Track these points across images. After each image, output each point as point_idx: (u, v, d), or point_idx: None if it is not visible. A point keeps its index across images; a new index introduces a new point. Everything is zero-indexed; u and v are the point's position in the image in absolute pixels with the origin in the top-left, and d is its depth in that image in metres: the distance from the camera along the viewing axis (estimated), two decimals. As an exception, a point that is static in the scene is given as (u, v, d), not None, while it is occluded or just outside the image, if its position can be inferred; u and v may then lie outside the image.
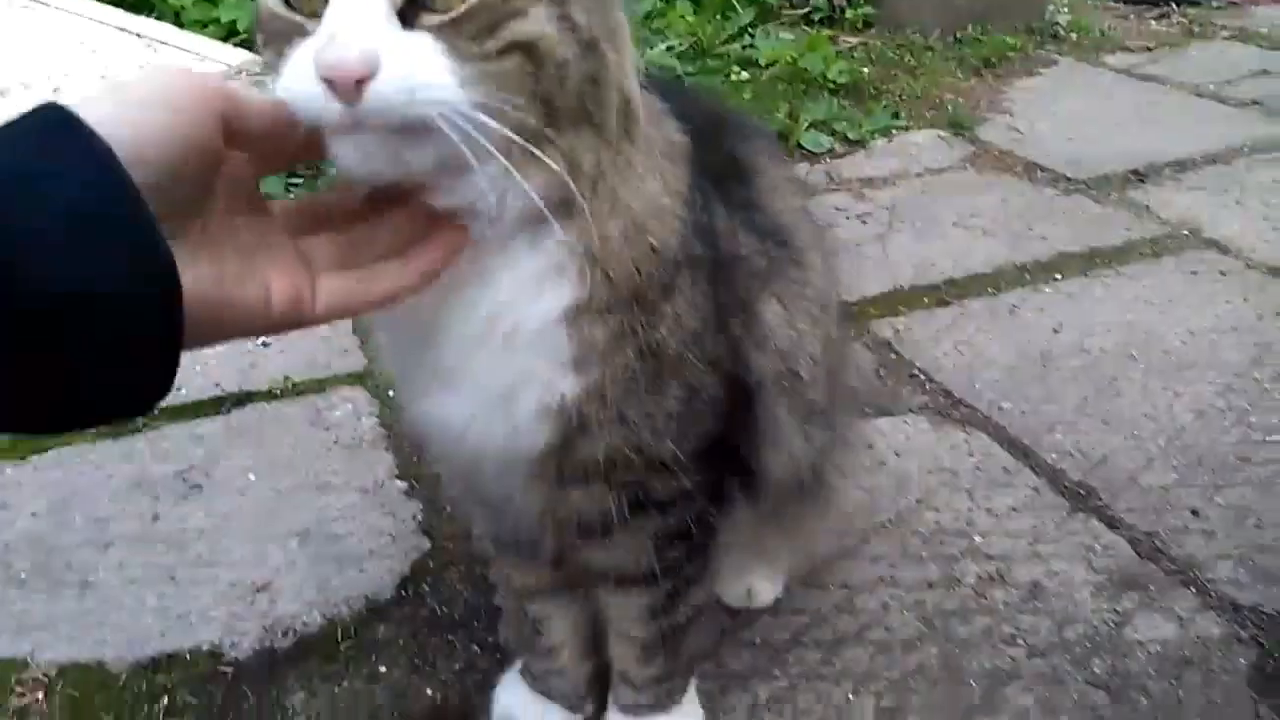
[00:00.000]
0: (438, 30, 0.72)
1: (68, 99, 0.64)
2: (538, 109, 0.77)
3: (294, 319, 0.78)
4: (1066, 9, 4.45)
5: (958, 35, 3.78)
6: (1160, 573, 1.54)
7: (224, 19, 3.33)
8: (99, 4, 3.30)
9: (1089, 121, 3.21)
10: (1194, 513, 1.65)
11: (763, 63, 3.38)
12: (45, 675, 1.40)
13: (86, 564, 1.59)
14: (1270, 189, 2.73)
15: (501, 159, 0.75)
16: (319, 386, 2.01)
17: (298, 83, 0.71)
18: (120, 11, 3.22)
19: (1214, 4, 4.58)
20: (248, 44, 3.08)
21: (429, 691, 1.39)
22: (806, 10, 3.86)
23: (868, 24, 3.82)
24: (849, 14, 3.81)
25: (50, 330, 0.60)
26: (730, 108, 2.01)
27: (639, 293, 0.91)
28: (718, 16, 3.79)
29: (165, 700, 1.37)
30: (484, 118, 0.72)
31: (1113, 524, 1.63)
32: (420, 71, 0.70)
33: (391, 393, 1.02)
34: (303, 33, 0.73)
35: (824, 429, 1.24)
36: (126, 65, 2.82)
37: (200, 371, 2.04)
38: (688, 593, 1.17)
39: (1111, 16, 4.45)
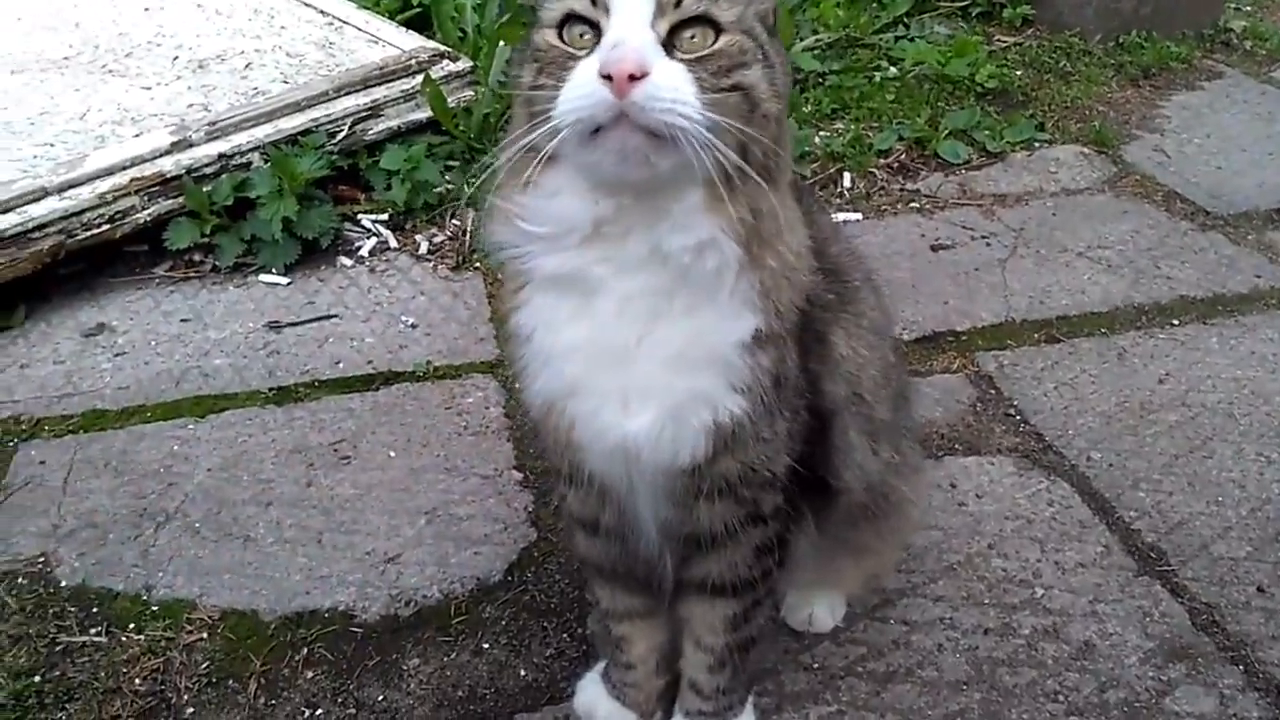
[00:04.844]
0: (687, 63, 0.99)
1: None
2: (738, 153, 1.01)
3: None
4: (1248, 9, 4.25)
5: (1120, 40, 3.67)
6: (1213, 646, 1.62)
7: (401, -8, 3.55)
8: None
9: (1242, 147, 3.12)
10: (1260, 589, 1.71)
11: (907, 64, 3.39)
12: (209, 617, 1.68)
13: (250, 520, 1.87)
14: None
15: (701, 190, 1.02)
16: (456, 372, 2.23)
17: (581, 87, 0.96)
18: (306, -17, 3.48)
19: None
20: (418, 26, 3.30)
21: (523, 672, 1.60)
22: (965, 4, 3.82)
23: (1027, 22, 3.75)
24: (1007, 11, 3.74)
25: None
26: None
27: (788, 328, 1.15)
28: (874, 4, 3.80)
29: (305, 651, 1.63)
30: (713, 136, 0.97)
31: (1176, 591, 1.71)
32: (677, 85, 0.97)
33: (552, 414, 1.18)
34: (575, 59, 0.99)
35: (889, 447, 1.42)
36: (310, 43, 3.07)
37: (357, 349, 2.29)
38: (763, 605, 1.38)
39: (1298, 19, 4.23)
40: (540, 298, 1.14)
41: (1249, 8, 4.28)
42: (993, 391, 2.17)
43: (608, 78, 0.94)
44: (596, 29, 1.00)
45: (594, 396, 1.14)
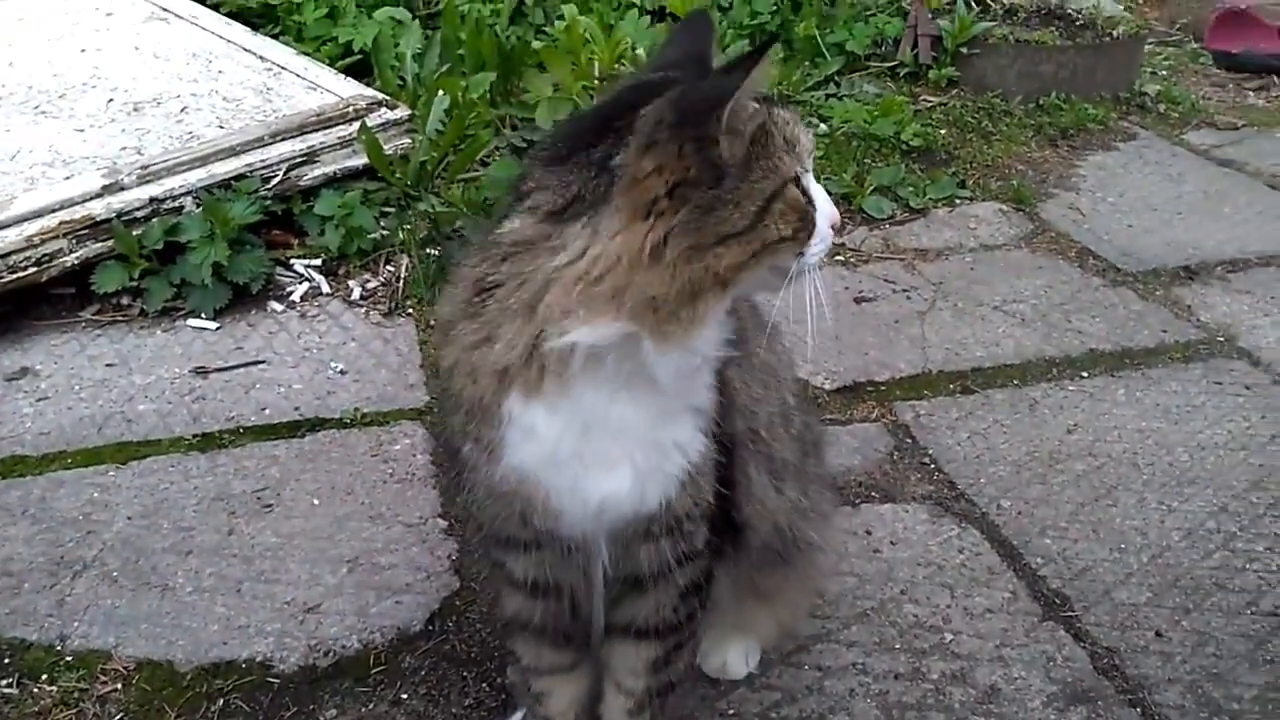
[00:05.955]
0: None
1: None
2: None
3: None
4: (1163, 74, 4.45)
5: (1040, 101, 3.82)
6: (1113, 689, 1.67)
7: (341, 39, 3.59)
8: (225, 19, 3.59)
9: (1153, 206, 3.27)
10: (1158, 634, 1.77)
11: (835, 121, 3.50)
12: (125, 668, 1.67)
13: (169, 569, 1.85)
14: (1318, 300, 2.77)
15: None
16: (384, 419, 2.25)
17: (826, 237, 1.14)
18: (245, 30, 3.51)
19: (1318, 78, 4.51)
20: (358, 73, 3.33)
21: (440, 722, 1.61)
22: (894, 64, 3.95)
23: (952, 83, 3.89)
24: (933, 73, 3.88)
25: None
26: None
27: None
28: (806, 63, 3.91)
29: (221, 702, 1.62)
30: None
31: (1079, 636, 1.77)
32: None
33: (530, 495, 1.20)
34: (811, 212, 1.12)
35: (795, 489, 1.47)
36: (248, 88, 3.09)
37: (284, 395, 2.30)
38: (685, 650, 1.42)
39: (1208, 85, 4.43)
40: (579, 388, 1.11)
41: (1164, 72, 4.49)
42: (909, 440, 2.23)
43: (835, 229, 1.15)
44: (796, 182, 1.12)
45: (576, 464, 1.16)
